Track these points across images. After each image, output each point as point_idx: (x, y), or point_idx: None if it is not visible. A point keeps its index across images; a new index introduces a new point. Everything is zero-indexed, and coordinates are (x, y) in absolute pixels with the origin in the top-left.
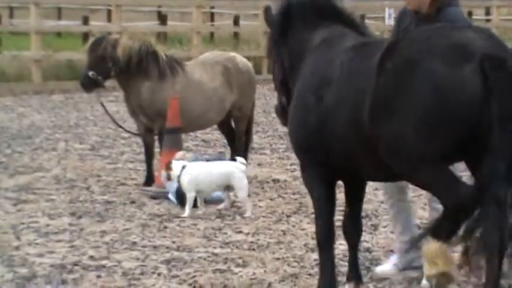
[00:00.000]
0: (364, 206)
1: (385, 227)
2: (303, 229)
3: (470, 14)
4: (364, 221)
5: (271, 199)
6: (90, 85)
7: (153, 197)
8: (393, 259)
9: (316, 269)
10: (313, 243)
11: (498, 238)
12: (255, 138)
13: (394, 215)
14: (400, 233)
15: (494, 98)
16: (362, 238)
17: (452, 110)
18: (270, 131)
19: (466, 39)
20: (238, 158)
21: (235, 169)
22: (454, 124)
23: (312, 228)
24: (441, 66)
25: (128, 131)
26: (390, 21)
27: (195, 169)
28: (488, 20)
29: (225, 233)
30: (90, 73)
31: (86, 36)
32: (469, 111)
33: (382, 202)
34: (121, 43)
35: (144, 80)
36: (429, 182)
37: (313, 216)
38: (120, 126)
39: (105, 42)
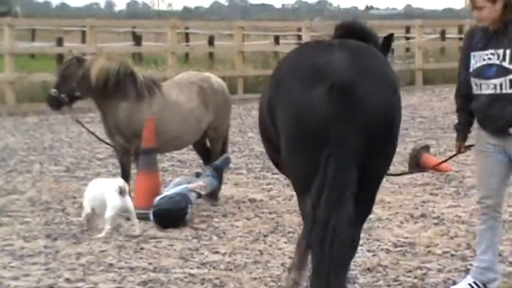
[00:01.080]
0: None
1: (361, 245)
2: (279, 248)
3: None
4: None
5: (247, 219)
6: (53, 103)
7: (129, 218)
8: (469, 279)
9: None
10: (290, 262)
11: None
12: (231, 158)
13: (482, 232)
14: (482, 252)
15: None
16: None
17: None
18: (246, 151)
19: (325, 60)
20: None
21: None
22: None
23: (288, 248)
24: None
25: (108, 143)
26: None
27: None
28: None
29: (202, 254)
30: (53, 91)
31: (60, 57)
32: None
33: None
34: (98, 64)
35: (122, 101)
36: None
37: (289, 235)
38: (100, 139)
39: (73, 61)
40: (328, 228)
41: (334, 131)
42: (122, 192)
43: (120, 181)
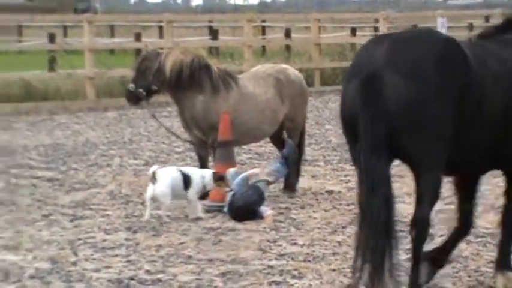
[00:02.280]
0: None
1: (441, 236)
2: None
3: None
4: None
5: (325, 210)
6: (131, 98)
7: (208, 211)
8: None
9: None
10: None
11: None
12: (309, 150)
13: None
14: None
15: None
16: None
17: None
18: (323, 143)
19: (367, 54)
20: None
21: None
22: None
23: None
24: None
25: (183, 139)
26: (443, 31)
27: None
28: None
29: (280, 245)
30: (130, 86)
31: (138, 52)
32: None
33: (438, 211)
34: (172, 57)
35: (198, 94)
36: None
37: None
38: (175, 135)
39: (150, 56)
40: (367, 216)
41: (360, 122)
42: (152, 179)
43: (153, 167)
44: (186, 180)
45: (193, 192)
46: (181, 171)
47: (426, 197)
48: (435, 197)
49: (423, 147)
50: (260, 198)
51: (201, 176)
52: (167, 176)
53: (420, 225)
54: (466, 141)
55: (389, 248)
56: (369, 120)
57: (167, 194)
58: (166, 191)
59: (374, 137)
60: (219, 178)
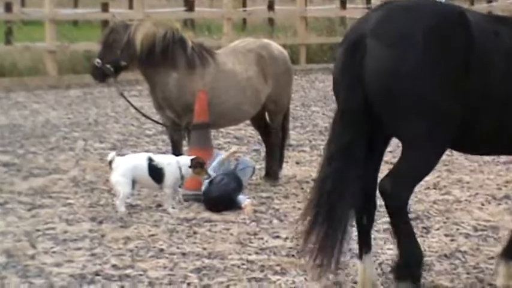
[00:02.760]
0: (415, 206)
1: (438, 229)
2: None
3: None
4: (414, 223)
5: None
6: (97, 75)
7: (182, 200)
8: None
9: None
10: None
11: None
12: (293, 134)
13: None
14: None
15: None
16: None
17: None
18: (309, 126)
19: (359, 22)
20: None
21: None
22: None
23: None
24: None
25: (155, 121)
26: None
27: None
28: None
29: (261, 238)
30: (96, 61)
31: (105, 24)
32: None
33: (434, 202)
34: (143, 29)
35: (171, 71)
36: None
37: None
38: (146, 116)
39: (118, 28)
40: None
41: (339, 88)
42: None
43: (110, 154)
44: (159, 171)
45: (168, 184)
46: (151, 159)
47: (405, 175)
48: (416, 178)
49: (403, 125)
50: (238, 186)
51: (178, 164)
52: (125, 164)
53: (394, 201)
54: (484, 122)
55: (337, 238)
56: (345, 87)
57: (123, 184)
58: (121, 181)
59: (346, 104)
60: (198, 165)
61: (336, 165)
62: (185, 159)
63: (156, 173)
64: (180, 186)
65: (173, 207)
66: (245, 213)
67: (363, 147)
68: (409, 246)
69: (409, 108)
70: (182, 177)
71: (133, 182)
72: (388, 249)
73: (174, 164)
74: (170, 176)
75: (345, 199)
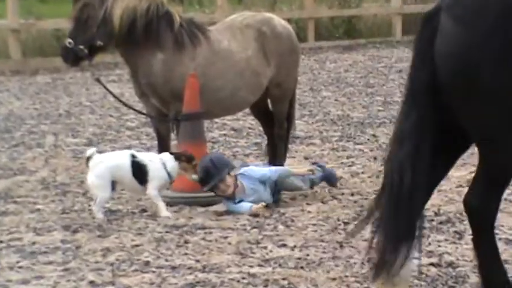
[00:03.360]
0: (445, 207)
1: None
2: (365, 240)
3: None
4: (445, 227)
5: (323, 202)
6: (68, 57)
7: (170, 204)
8: None
9: None
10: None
11: None
12: (301, 124)
13: None
14: None
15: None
16: (443, 249)
17: None
18: (319, 115)
19: None
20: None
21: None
22: None
23: (376, 239)
24: None
25: (138, 111)
26: None
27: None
28: None
29: (264, 248)
30: (67, 41)
31: None
32: None
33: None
34: (122, 2)
35: (156, 52)
36: None
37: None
38: (127, 105)
39: (93, 1)
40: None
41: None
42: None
43: (89, 151)
44: (142, 171)
45: (152, 186)
46: (133, 157)
47: (489, 183)
48: (502, 183)
49: (476, 116)
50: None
51: (162, 162)
52: (104, 163)
53: (481, 217)
54: None
55: (408, 232)
56: (413, 61)
57: (100, 187)
58: (99, 183)
59: (413, 81)
60: (185, 159)
61: (408, 150)
62: (167, 157)
63: (139, 172)
64: (167, 188)
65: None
66: (260, 212)
67: (430, 146)
68: (493, 273)
69: (481, 97)
70: (170, 176)
71: (114, 184)
72: (414, 258)
73: (156, 161)
74: (154, 177)
75: (418, 186)
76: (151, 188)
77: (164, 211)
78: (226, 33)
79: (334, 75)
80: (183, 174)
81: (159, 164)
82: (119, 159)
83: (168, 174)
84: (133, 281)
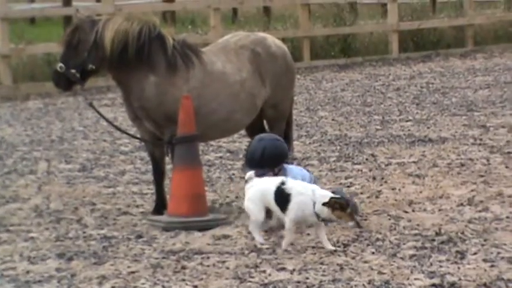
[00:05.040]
0: (446, 226)
1: (474, 253)
2: (365, 261)
3: None
4: (446, 246)
5: None
6: (60, 82)
7: (166, 229)
8: None
9: None
10: (379, 279)
11: None
12: (298, 145)
13: None
14: None
15: None
16: (445, 270)
17: None
18: (316, 135)
19: None
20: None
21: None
22: None
23: (377, 260)
24: None
25: (132, 135)
26: None
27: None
28: None
29: (263, 272)
30: (59, 66)
31: (68, 21)
32: None
33: (469, 221)
34: (113, 25)
35: (149, 74)
36: None
37: (378, 243)
38: (120, 130)
39: (84, 25)
40: None
41: None
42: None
43: (249, 173)
44: (284, 199)
45: (290, 217)
46: (282, 183)
47: None
48: None
49: None
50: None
51: (312, 199)
52: (255, 187)
53: None
54: None
55: None
56: None
57: (252, 210)
58: (250, 206)
59: None
60: (338, 206)
61: None
62: (324, 193)
63: (281, 200)
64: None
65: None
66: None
67: None
68: None
69: None
70: (317, 216)
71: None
72: (416, 279)
73: (306, 194)
74: (294, 207)
75: None
76: (288, 219)
77: (286, 245)
78: (220, 55)
79: (330, 94)
80: (339, 220)
81: (308, 199)
82: (267, 184)
83: (316, 213)
84: None
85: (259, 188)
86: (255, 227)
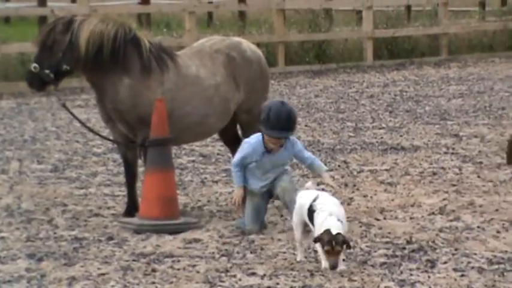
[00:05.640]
0: (417, 235)
1: (445, 262)
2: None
3: None
4: (417, 255)
5: (292, 230)
6: (34, 82)
7: (137, 231)
8: None
9: None
10: (350, 286)
11: None
12: None
13: None
14: None
15: None
16: (415, 278)
17: None
18: None
19: None
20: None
21: None
22: None
23: (348, 267)
24: None
25: (105, 137)
26: None
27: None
28: None
29: (233, 276)
30: (33, 66)
31: (42, 21)
32: None
33: (440, 230)
34: (88, 26)
35: (123, 77)
36: None
37: (349, 251)
38: (93, 131)
39: (59, 25)
40: None
41: None
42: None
43: (307, 184)
44: (311, 215)
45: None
46: (314, 200)
47: None
48: None
49: None
50: None
51: (323, 221)
52: (299, 200)
53: None
54: None
55: None
56: None
57: (294, 223)
58: (293, 218)
59: None
60: (329, 241)
61: None
62: (331, 223)
63: (310, 216)
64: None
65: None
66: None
67: None
68: None
69: None
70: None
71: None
72: (386, 287)
73: (322, 212)
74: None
75: None
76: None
77: (324, 264)
78: (194, 59)
79: (304, 100)
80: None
81: (323, 216)
82: (305, 199)
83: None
84: None
85: (299, 202)
86: (296, 241)
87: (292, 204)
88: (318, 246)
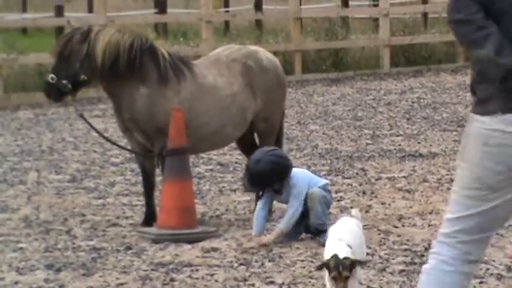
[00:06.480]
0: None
1: None
2: None
3: None
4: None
5: (311, 238)
6: (52, 93)
7: (156, 241)
8: None
9: None
10: None
11: None
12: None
13: None
14: None
15: None
16: None
17: None
18: (307, 148)
19: None
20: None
21: None
22: None
23: (368, 273)
24: None
25: (122, 147)
26: None
27: None
28: None
29: (252, 285)
30: (50, 77)
31: (59, 32)
32: None
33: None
34: (105, 37)
35: (140, 86)
36: None
37: (368, 258)
38: (111, 141)
39: (76, 36)
40: None
41: None
42: None
43: (354, 210)
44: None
45: None
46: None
47: None
48: None
49: None
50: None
51: (333, 245)
52: (334, 226)
53: None
54: None
55: None
56: None
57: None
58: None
59: None
60: (350, 267)
61: None
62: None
63: None
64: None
65: None
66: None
67: None
68: None
69: None
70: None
71: None
72: None
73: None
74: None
75: None
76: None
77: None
78: (211, 68)
79: (321, 108)
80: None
81: (331, 242)
82: (342, 226)
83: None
84: None
85: (333, 228)
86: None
87: (316, 210)
88: (325, 273)
